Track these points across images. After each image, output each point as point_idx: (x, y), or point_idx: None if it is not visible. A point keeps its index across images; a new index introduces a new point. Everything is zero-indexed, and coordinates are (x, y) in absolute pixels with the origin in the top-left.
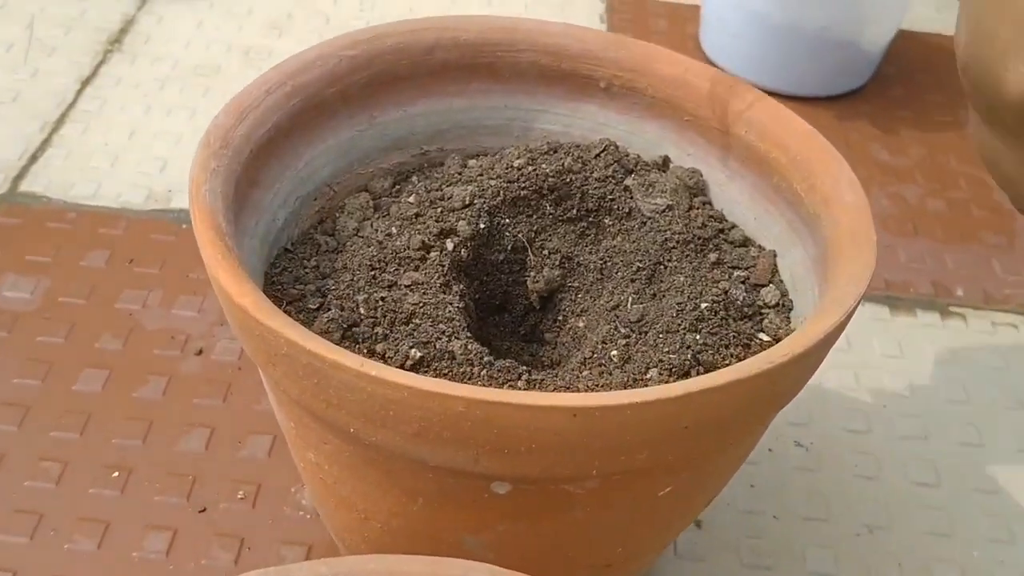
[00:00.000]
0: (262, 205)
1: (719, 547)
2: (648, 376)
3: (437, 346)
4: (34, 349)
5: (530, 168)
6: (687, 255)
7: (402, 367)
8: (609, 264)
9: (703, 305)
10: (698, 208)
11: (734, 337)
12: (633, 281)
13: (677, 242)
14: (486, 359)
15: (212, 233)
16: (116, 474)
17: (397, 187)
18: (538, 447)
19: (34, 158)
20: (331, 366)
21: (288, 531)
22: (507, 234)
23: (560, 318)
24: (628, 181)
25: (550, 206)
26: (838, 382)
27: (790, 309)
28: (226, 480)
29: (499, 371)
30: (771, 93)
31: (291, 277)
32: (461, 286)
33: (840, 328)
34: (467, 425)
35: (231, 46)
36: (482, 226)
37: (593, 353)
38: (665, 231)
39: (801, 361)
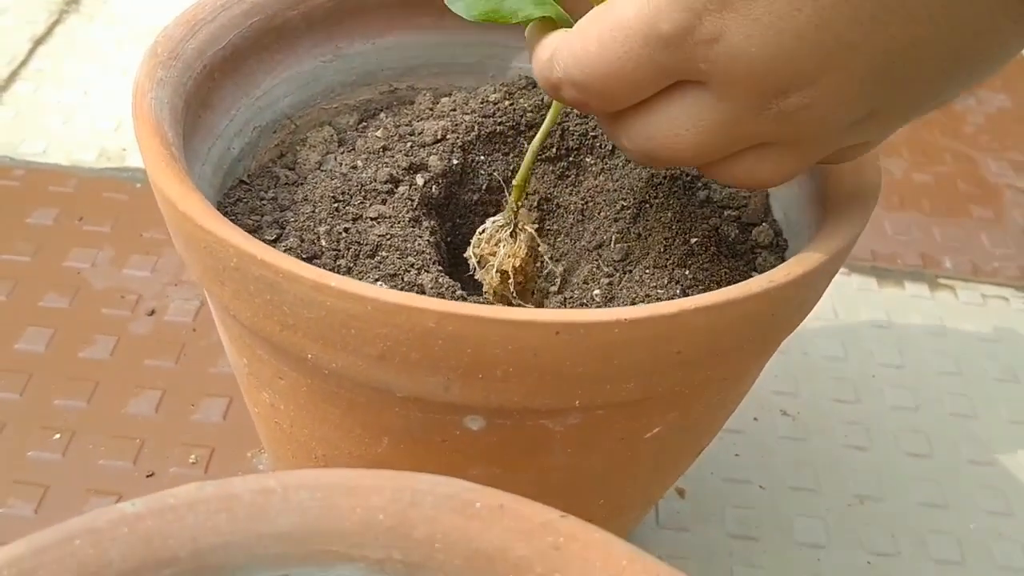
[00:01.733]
0: (216, 130)
1: (703, 517)
2: None
3: (405, 279)
4: None
5: (507, 103)
6: (675, 192)
7: None
8: (591, 205)
9: (692, 240)
10: None
11: (726, 274)
12: (616, 220)
13: (664, 178)
14: (458, 293)
15: (156, 140)
16: (58, 436)
17: (363, 124)
18: (516, 371)
19: None
20: (286, 278)
21: None
22: (481, 172)
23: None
24: None
25: (528, 144)
26: (825, 352)
27: (784, 249)
28: (177, 444)
29: None
30: None
31: (246, 208)
32: (432, 223)
33: (846, 251)
34: (438, 344)
35: None
36: (455, 162)
37: (574, 293)
38: (651, 168)
39: (804, 283)
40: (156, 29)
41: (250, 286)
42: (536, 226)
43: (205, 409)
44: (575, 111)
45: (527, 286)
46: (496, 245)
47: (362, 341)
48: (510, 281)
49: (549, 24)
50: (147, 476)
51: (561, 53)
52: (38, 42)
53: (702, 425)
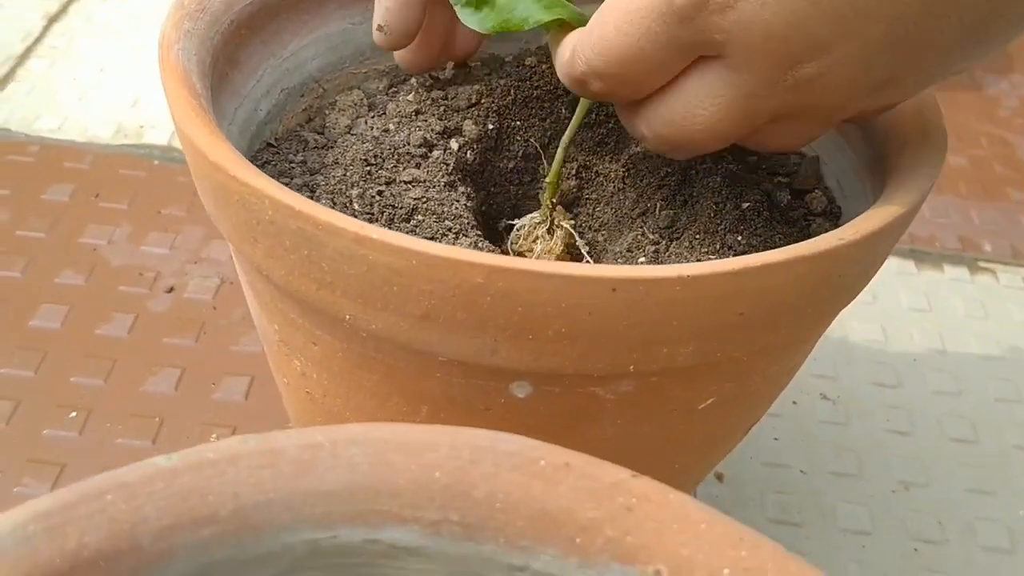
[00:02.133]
0: (243, 90)
1: (743, 502)
2: None
3: (443, 244)
4: None
5: (544, 67)
6: (723, 156)
7: None
8: (632, 171)
9: (744, 205)
10: None
11: (780, 240)
12: (661, 187)
13: None
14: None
15: (184, 90)
16: (74, 414)
17: (394, 89)
18: (568, 332)
19: None
20: (326, 231)
21: None
22: (518, 138)
23: (577, 233)
24: None
25: (566, 109)
26: (864, 335)
27: (838, 217)
28: (197, 423)
29: None
30: None
31: (274, 171)
32: (468, 188)
33: (915, 210)
34: (486, 302)
35: None
36: (490, 127)
37: (617, 261)
38: None
39: (874, 242)
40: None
41: (286, 241)
42: (576, 194)
43: (226, 388)
44: None
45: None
46: (533, 242)
47: (405, 299)
48: None
49: (565, 27)
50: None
51: (581, 47)
52: (52, 19)
53: (755, 398)
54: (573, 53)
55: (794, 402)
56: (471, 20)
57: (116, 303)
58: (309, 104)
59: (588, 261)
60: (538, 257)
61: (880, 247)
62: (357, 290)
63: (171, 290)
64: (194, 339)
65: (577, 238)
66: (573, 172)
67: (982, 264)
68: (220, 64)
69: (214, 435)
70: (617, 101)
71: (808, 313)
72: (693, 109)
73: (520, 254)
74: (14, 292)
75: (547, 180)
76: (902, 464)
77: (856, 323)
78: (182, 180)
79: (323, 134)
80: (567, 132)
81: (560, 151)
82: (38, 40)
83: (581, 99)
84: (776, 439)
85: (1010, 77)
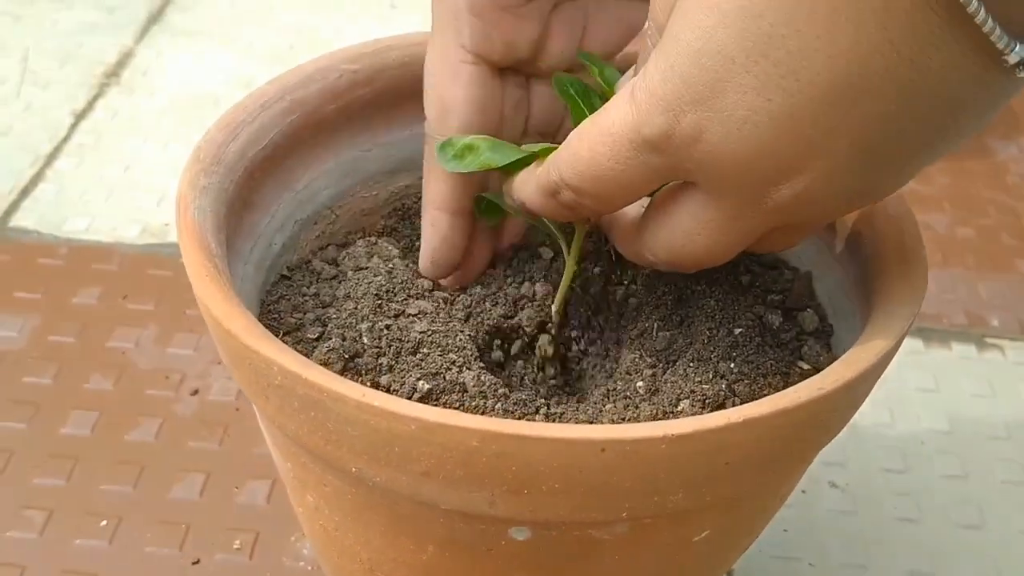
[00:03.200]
0: (257, 229)
1: None
2: (679, 408)
3: (447, 377)
4: (20, 390)
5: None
6: (716, 277)
7: (409, 400)
8: (631, 290)
9: (737, 331)
10: None
11: (772, 365)
12: (658, 307)
13: None
14: (500, 391)
15: (200, 254)
16: (104, 523)
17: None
18: (562, 487)
19: (25, 192)
20: (330, 397)
21: None
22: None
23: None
24: None
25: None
26: (872, 418)
27: (830, 335)
28: (221, 529)
29: (515, 404)
30: None
31: (289, 305)
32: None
33: (893, 351)
34: (482, 462)
35: (231, 78)
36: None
37: (617, 384)
38: None
39: (854, 388)
40: (195, 100)
41: (295, 402)
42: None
43: (249, 492)
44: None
45: (568, 367)
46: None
47: (406, 458)
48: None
49: (537, 160)
50: (193, 563)
51: (555, 159)
52: (80, 116)
53: (750, 524)
54: (547, 164)
55: (803, 491)
56: (452, 165)
57: (144, 407)
58: (322, 231)
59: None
60: (533, 381)
61: (860, 390)
62: (361, 448)
63: (196, 392)
64: (218, 442)
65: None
66: (575, 288)
67: (989, 340)
68: (236, 209)
69: (237, 542)
70: (583, 216)
71: (795, 454)
72: (688, 234)
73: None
74: (46, 398)
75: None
76: (909, 553)
77: (864, 405)
78: None
79: (336, 264)
80: (564, 280)
81: (560, 294)
82: (66, 139)
83: (572, 246)
84: (785, 531)
85: (1019, 141)
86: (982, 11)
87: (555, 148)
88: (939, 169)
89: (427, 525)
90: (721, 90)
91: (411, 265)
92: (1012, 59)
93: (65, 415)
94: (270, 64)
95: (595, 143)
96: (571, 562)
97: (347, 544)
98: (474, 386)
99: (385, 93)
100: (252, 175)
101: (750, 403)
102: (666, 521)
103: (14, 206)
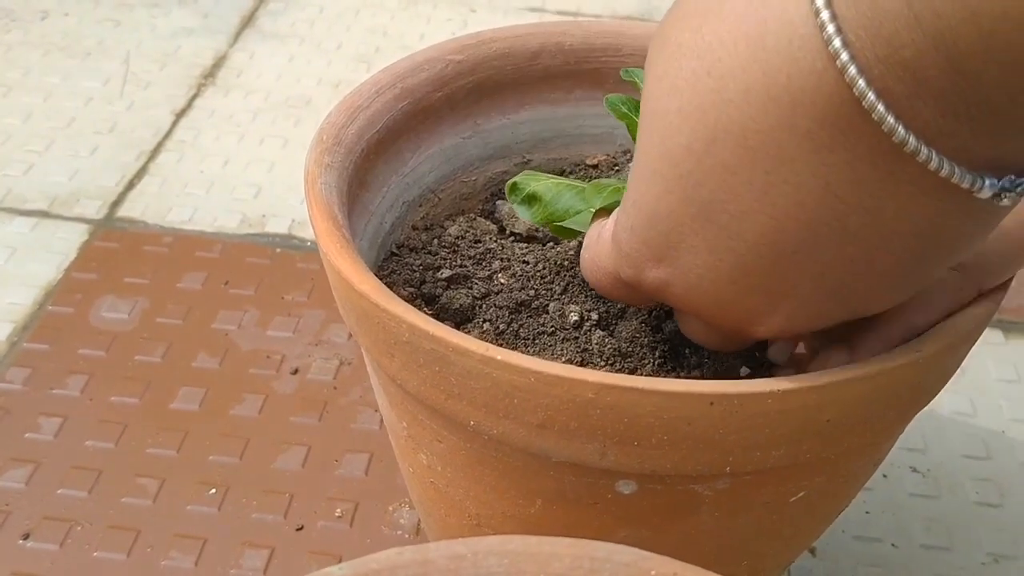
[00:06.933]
0: (370, 207)
1: (836, 575)
2: None
3: (562, 336)
4: (132, 368)
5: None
6: None
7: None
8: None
9: None
10: None
11: None
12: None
13: None
14: (609, 345)
15: (329, 223)
16: (213, 491)
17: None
18: (670, 439)
19: (131, 185)
20: (455, 351)
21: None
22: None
23: None
24: None
25: None
26: (953, 407)
27: None
28: (323, 498)
29: (625, 359)
30: None
31: (400, 279)
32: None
33: (990, 315)
34: (596, 414)
35: (321, 79)
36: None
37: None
38: None
39: (950, 352)
40: (286, 99)
41: (420, 358)
42: None
43: (348, 464)
44: None
45: None
46: None
47: (524, 410)
48: None
49: (602, 213)
50: (297, 529)
51: (583, 251)
52: (179, 115)
53: (845, 487)
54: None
55: (884, 475)
56: (524, 214)
57: (247, 385)
58: (426, 212)
59: None
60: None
61: (958, 353)
62: (481, 401)
63: (296, 371)
64: (318, 418)
65: None
66: None
67: None
68: (353, 188)
69: (338, 510)
70: None
71: (890, 416)
72: (704, 334)
73: None
74: (156, 375)
75: None
76: (992, 536)
77: (945, 395)
78: (301, 267)
79: (441, 241)
80: None
81: None
82: (167, 135)
83: None
84: (867, 512)
85: None
86: (934, 157)
87: (607, 188)
88: None
89: (537, 478)
90: (676, 251)
91: (511, 237)
92: (984, 194)
93: (174, 391)
94: (357, 65)
95: (590, 268)
96: (671, 519)
97: (456, 500)
98: (597, 345)
99: (485, 82)
100: (368, 156)
101: (854, 365)
102: (766, 478)
103: (121, 198)
